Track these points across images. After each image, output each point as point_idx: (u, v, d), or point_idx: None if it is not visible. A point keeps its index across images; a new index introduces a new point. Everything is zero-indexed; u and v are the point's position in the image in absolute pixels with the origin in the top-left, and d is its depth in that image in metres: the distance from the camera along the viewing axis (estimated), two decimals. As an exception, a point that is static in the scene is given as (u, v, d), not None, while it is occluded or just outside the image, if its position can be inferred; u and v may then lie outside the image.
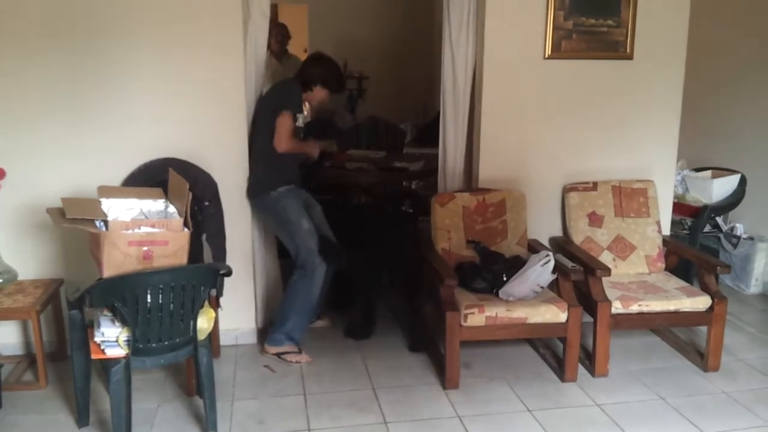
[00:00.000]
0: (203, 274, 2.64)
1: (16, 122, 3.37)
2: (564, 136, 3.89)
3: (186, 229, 2.64)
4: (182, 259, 2.61)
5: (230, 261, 3.56)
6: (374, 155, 5.38)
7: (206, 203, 3.46)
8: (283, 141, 3.41)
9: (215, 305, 3.53)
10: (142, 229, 2.51)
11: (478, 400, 3.19)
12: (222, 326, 3.69)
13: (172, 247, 2.54)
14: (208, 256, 3.49)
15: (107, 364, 2.61)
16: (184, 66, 3.44)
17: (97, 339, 2.57)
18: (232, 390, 3.28)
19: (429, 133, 6.66)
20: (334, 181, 4.67)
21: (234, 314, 3.73)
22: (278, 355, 3.60)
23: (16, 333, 3.57)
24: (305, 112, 3.67)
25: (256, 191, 3.58)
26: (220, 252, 3.52)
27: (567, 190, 3.88)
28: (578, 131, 3.90)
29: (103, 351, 2.58)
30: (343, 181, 4.68)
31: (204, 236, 3.44)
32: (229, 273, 2.79)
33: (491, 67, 3.73)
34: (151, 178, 3.35)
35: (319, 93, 3.65)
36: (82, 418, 2.93)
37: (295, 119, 3.48)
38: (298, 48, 7.74)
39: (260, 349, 3.69)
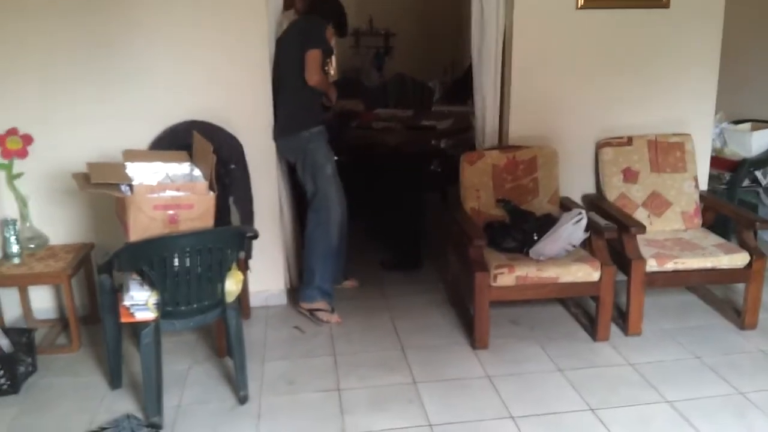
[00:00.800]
0: (230, 237, 2.62)
1: (41, 89, 3.36)
2: (597, 90, 3.76)
3: (211, 192, 2.61)
4: (208, 222, 2.59)
5: (258, 223, 3.57)
6: (402, 114, 5.28)
7: (232, 166, 3.43)
8: (314, 74, 3.39)
9: (244, 267, 3.54)
10: (167, 192, 2.49)
11: (509, 359, 3.16)
12: (252, 288, 3.71)
13: (197, 211, 2.52)
14: (235, 218, 3.49)
15: (137, 327, 2.62)
16: (207, 27, 3.39)
17: (127, 303, 2.58)
18: (262, 351, 3.30)
19: (457, 90, 6.55)
20: (360, 141, 4.60)
21: (263, 276, 3.74)
22: (311, 311, 3.61)
23: (49, 297, 3.62)
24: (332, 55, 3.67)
25: (287, 130, 3.54)
26: (247, 214, 3.50)
27: (600, 145, 3.76)
28: (612, 84, 3.76)
29: (132, 314, 2.59)
30: (370, 142, 4.61)
31: (231, 199, 3.43)
32: (255, 236, 2.78)
33: (522, 18, 3.60)
34: (177, 141, 3.32)
35: (329, 33, 3.59)
36: (114, 381, 2.97)
37: (324, 55, 3.45)
38: (323, 6, 7.60)
39: (295, 306, 3.71)
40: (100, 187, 2.45)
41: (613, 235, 3.26)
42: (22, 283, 3.35)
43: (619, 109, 3.80)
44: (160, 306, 2.56)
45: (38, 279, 3.28)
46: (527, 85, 3.70)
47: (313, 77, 3.38)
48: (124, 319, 2.62)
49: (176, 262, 2.47)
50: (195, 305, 2.62)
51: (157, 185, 2.52)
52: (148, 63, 3.39)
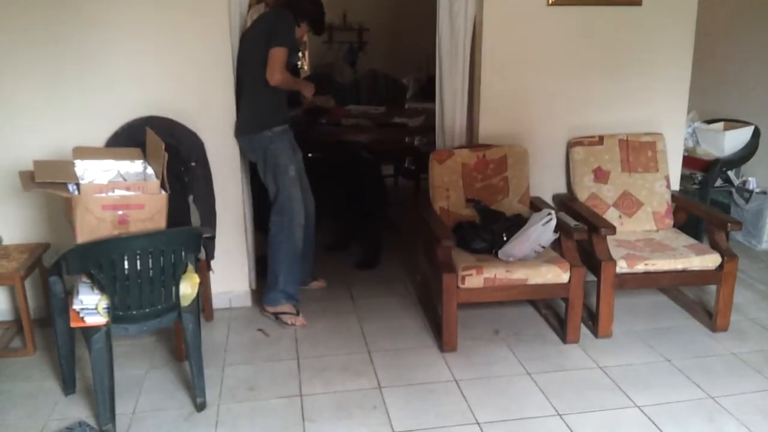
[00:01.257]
0: (183, 239, 2.51)
1: (-7, 82, 3.22)
2: (569, 88, 3.70)
3: (163, 192, 2.50)
4: (160, 223, 2.47)
5: (221, 222, 3.47)
6: (374, 111, 5.20)
7: (193, 164, 3.32)
8: (276, 73, 3.22)
9: (206, 268, 3.44)
10: (116, 192, 2.37)
11: (477, 362, 3.09)
12: (215, 289, 3.60)
13: (148, 211, 2.40)
14: (196, 218, 3.37)
15: (87, 332, 2.51)
16: (168, 19, 3.26)
17: (76, 307, 2.46)
18: (223, 355, 3.19)
19: (432, 87, 6.46)
20: (329, 138, 4.51)
21: (227, 277, 3.63)
22: (276, 315, 3.51)
23: (5, 298, 3.49)
24: (299, 52, 3.57)
25: (248, 129, 3.41)
26: (209, 214, 3.39)
27: (572, 144, 3.71)
28: (584, 83, 3.71)
29: (82, 319, 2.47)
30: (339, 139, 4.52)
31: (191, 198, 3.31)
32: (212, 237, 2.67)
33: (492, 14, 3.53)
34: (134, 137, 3.19)
35: (301, 31, 3.46)
36: (68, 386, 2.86)
37: (290, 53, 3.31)
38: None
39: (260, 309, 3.61)
40: (45, 187, 2.33)
41: (582, 236, 3.20)
42: (-29, 285, 3.22)
43: (591, 107, 3.74)
44: (111, 310, 2.45)
45: (-10, 281, 3.16)
46: (497, 82, 3.62)
47: (274, 76, 3.22)
48: (73, 324, 2.50)
49: (126, 264, 2.36)
50: (147, 309, 2.51)
51: (106, 184, 2.41)
52: (106, 56, 3.26)
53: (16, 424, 2.66)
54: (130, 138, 3.23)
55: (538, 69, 3.65)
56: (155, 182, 2.48)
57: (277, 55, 3.21)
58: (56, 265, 2.51)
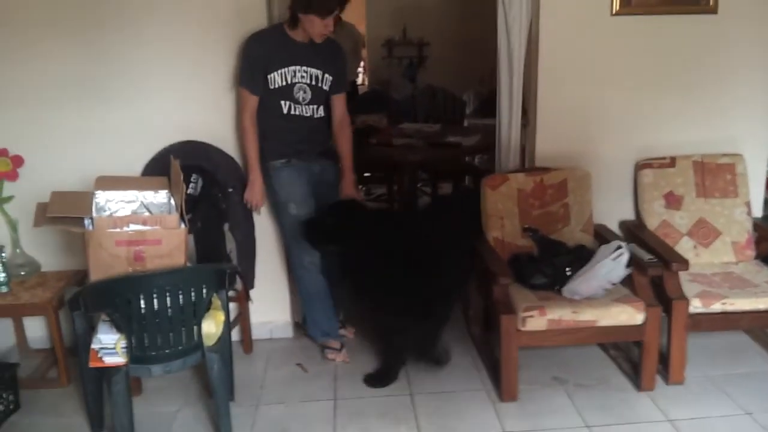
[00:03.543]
0: (204, 276, 2.34)
1: (33, 109, 3.19)
2: (635, 105, 3.37)
3: (183, 226, 2.34)
4: (179, 259, 2.32)
5: (260, 250, 3.32)
6: (428, 129, 4.97)
7: (230, 189, 3.17)
8: (239, 115, 3.06)
9: (245, 298, 3.29)
10: (131, 227, 2.23)
11: (531, 412, 2.80)
12: (254, 319, 3.45)
13: (166, 247, 2.25)
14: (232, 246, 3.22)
15: (107, 372, 2.38)
16: (205, 42, 3.15)
17: (95, 346, 2.33)
18: (259, 392, 3.02)
19: (493, 101, 6.20)
20: (379, 159, 4.30)
21: (267, 307, 3.48)
22: (322, 346, 3.34)
23: (45, 325, 3.42)
24: (282, 70, 3.01)
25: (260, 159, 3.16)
26: (246, 242, 3.23)
27: (640, 167, 3.37)
28: (653, 99, 3.37)
29: (101, 359, 2.34)
30: (390, 160, 4.30)
31: (227, 225, 3.15)
32: (235, 271, 2.50)
33: (549, 25, 3.26)
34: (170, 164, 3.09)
35: (310, 24, 2.88)
36: (95, 424, 2.75)
37: (254, 92, 2.98)
38: (355, 15, 7.34)
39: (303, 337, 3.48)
40: (56, 222, 2.21)
41: (658, 272, 2.87)
42: (6, 314, 3.16)
43: (661, 126, 3.40)
44: (129, 351, 2.31)
45: (23, 310, 3.09)
46: (555, 99, 3.34)
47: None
48: (92, 364, 2.37)
49: (143, 304, 2.21)
50: (167, 350, 2.35)
51: (121, 218, 2.26)
52: (145, 82, 3.19)
53: (38, 465, 2.56)
54: (166, 164, 3.10)
55: (600, 84, 3.34)
56: (173, 216, 2.32)
57: (238, 98, 3.03)
58: (73, 302, 2.39)
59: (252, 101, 2.99)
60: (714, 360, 3.14)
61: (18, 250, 3.23)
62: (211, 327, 2.42)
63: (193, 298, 2.29)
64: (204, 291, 2.32)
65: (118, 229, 2.22)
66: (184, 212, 2.36)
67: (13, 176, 3.20)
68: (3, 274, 3.08)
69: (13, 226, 3.20)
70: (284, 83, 3.00)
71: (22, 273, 3.22)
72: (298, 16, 2.89)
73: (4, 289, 3.09)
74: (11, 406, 2.90)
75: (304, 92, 3.06)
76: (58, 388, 3.08)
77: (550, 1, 3.22)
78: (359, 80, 7.86)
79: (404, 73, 7.34)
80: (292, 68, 3.00)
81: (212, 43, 3.15)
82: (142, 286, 2.20)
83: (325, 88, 3.10)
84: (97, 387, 2.71)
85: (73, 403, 2.96)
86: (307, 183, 3.13)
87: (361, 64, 7.88)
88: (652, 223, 3.31)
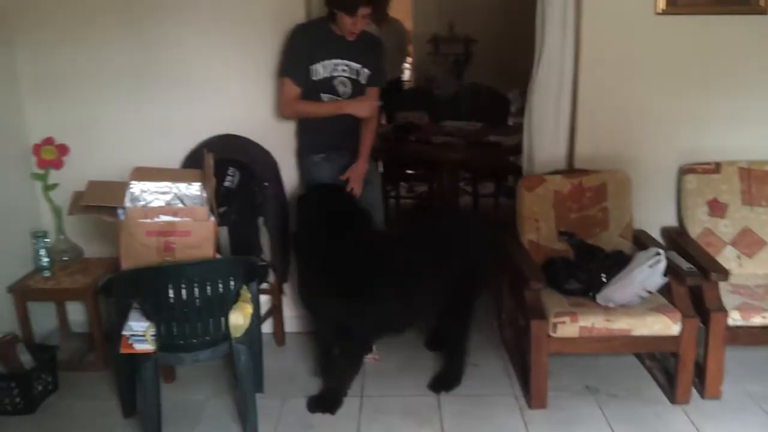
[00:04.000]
0: (232, 268, 2.37)
1: (78, 98, 3.29)
2: (680, 108, 3.26)
3: (212, 218, 2.37)
4: (207, 251, 2.35)
5: (294, 244, 3.34)
6: (469, 127, 4.92)
7: (266, 183, 3.20)
8: (279, 108, 3.06)
9: (278, 290, 3.32)
10: (162, 218, 2.27)
11: (558, 419, 2.74)
12: (287, 312, 3.48)
13: (195, 238, 2.29)
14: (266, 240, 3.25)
15: (137, 358, 2.44)
16: (246, 38, 3.20)
17: (126, 333, 2.38)
18: (287, 385, 3.04)
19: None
20: (417, 157, 4.28)
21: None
22: None
23: (85, 310, 3.51)
24: (325, 62, 3.00)
25: (297, 152, 3.24)
26: (280, 236, 3.26)
27: (683, 171, 3.26)
28: (698, 101, 3.25)
29: (131, 345, 2.39)
30: (429, 158, 4.27)
31: (261, 219, 3.19)
32: (268, 264, 2.52)
33: (592, 24, 3.18)
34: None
35: (341, 21, 2.89)
36: (127, 408, 2.81)
37: (298, 83, 2.97)
38: (402, 11, 7.31)
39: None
40: (89, 212, 2.26)
41: (697, 281, 2.77)
42: (48, 298, 3.27)
43: (706, 130, 3.28)
44: (158, 339, 2.35)
45: (64, 294, 3.21)
46: (597, 100, 3.26)
47: (281, 112, 3.06)
48: (123, 350, 2.42)
49: (171, 293, 2.25)
50: (195, 340, 2.38)
51: (150, 209, 2.31)
52: (188, 77, 3.26)
53: (70, 445, 2.64)
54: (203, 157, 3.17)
55: (643, 85, 3.25)
56: (203, 209, 2.35)
57: (279, 88, 3.02)
58: (107, 287, 2.45)
59: (294, 92, 2.98)
60: (754, 375, 3.02)
61: (62, 237, 3.33)
62: (238, 318, 2.44)
63: (220, 289, 2.32)
64: (232, 283, 2.35)
65: (149, 220, 2.27)
66: (214, 205, 2.39)
67: (58, 164, 3.30)
68: (46, 259, 3.19)
69: (57, 212, 3.30)
70: (326, 75, 3.00)
71: (65, 258, 3.31)
72: (334, 12, 2.90)
73: (46, 273, 3.20)
74: (50, 387, 3.00)
75: (345, 86, 3.06)
76: (95, 372, 3.16)
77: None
78: (405, 77, 7.83)
79: (450, 70, 7.27)
80: (334, 61, 3.00)
81: (253, 39, 3.20)
82: (171, 276, 2.24)
83: (363, 81, 3.10)
84: (130, 373, 2.76)
85: (108, 387, 3.03)
86: (336, 179, 3.12)
87: (408, 60, 7.85)
88: (694, 230, 3.21)
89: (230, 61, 3.23)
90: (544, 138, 3.35)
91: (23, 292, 3.10)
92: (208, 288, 2.29)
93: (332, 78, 3.02)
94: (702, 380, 2.84)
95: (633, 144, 3.31)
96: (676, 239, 3.21)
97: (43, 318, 3.39)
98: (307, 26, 3.05)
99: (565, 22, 3.22)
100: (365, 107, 3.03)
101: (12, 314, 3.12)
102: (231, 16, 3.18)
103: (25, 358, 2.92)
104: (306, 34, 2.99)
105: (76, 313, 3.48)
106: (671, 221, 3.38)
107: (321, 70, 2.99)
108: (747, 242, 3.17)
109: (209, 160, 2.52)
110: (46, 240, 3.20)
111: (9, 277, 3.14)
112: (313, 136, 3.12)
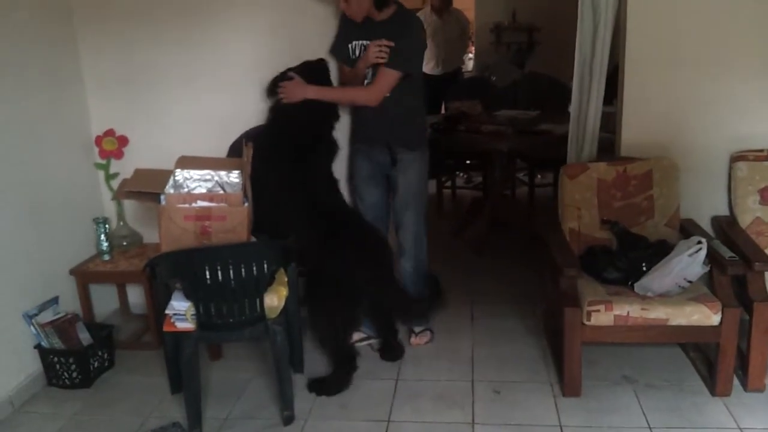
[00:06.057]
0: (266, 251, 2.47)
1: (138, 91, 3.46)
2: (732, 92, 3.14)
3: (246, 204, 2.48)
4: (242, 234, 2.46)
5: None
6: (523, 116, 4.86)
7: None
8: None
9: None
10: (198, 203, 2.40)
11: (592, 408, 2.72)
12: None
13: (230, 223, 2.40)
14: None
15: (179, 336, 2.58)
16: (299, 29, 3.30)
17: (169, 312, 2.53)
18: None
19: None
20: (467, 147, 4.29)
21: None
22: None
23: (143, 293, 3.72)
24: (353, 43, 3.08)
25: None
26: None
27: (734, 159, 3.15)
28: (751, 85, 3.12)
29: (173, 324, 2.54)
30: (478, 147, 4.27)
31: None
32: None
33: (638, 6, 3.10)
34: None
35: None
36: (174, 385, 2.96)
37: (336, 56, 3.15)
38: (464, 0, 7.29)
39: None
40: (132, 196, 2.42)
41: (739, 270, 2.69)
42: (106, 280, 3.47)
43: (758, 115, 3.14)
44: (198, 318, 2.48)
45: (121, 277, 3.40)
46: (643, 84, 3.18)
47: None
48: (165, 328, 2.58)
49: (208, 275, 2.37)
50: (231, 320, 2.50)
51: (188, 195, 2.44)
52: (236, 71, 3.38)
53: (120, 419, 2.81)
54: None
55: (694, 68, 3.14)
56: (238, 194, 2.47)
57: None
58: (150, 268, 2.60)
59: (341, 71, 3.13)
60: (804, 369, 2.90)
61: (122, 223, 3.53)
62: (273, 300, 2.55)
63: (254, 271, 2.43)
64: (265, 265, 2.45)
65: (186, 205, 2.40)
66: (249, 191, 2.50)
67: (118, 155, 3.49)
68: (105, 244, 3.40)
69: (118, 200, 3.50)
70: (354, 57, 3.07)
71: (125, 243, 3.52)
72: None
73: (106, 257, 3.40)
74: (105, 363, 3.20)
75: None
76: (150, 351, 3.34)
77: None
78: (467, 67, 7.80)
79: (513, 59, 7.19)
80: (357, 42, 3.05)
81: (304, 30, 3.28)
82: (207, 258, 2.37)
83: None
84: (176, 351, 2.92)
85: (160, 365, 3.16)
86: (371, 171, 3.18)
87: (471, 50, 7.81)
88: (744, 220, 3.09)
89: (276, 58, 3.26)
90: (591, 126, 3.29)
91: (83, 275, 3.31)
92: (243, 270, 2.41)
93: (358, 58, 3.07)
94: (745, 372, 2.76)
95: (681, 130, 3.21)
96: (726, 229, 3.10)
97: (106, 300, 3.60)
98: None
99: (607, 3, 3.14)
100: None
101: (75, 295, 3.33)
102: (287, 6, 3.31)
103: (84, 336, 3.13)
104: (344, 15, 3.06)
105: (136, 296, 3.67)
106: (723, 210, 3.27)
107: (350, 50, 3.09)
108: (799, 232, 3.03)
109: (247, 149, 2.63)
110: (106, 226, 3.40)
111: (72, 260, 3.35)
112: (353, 126, 3.26)
